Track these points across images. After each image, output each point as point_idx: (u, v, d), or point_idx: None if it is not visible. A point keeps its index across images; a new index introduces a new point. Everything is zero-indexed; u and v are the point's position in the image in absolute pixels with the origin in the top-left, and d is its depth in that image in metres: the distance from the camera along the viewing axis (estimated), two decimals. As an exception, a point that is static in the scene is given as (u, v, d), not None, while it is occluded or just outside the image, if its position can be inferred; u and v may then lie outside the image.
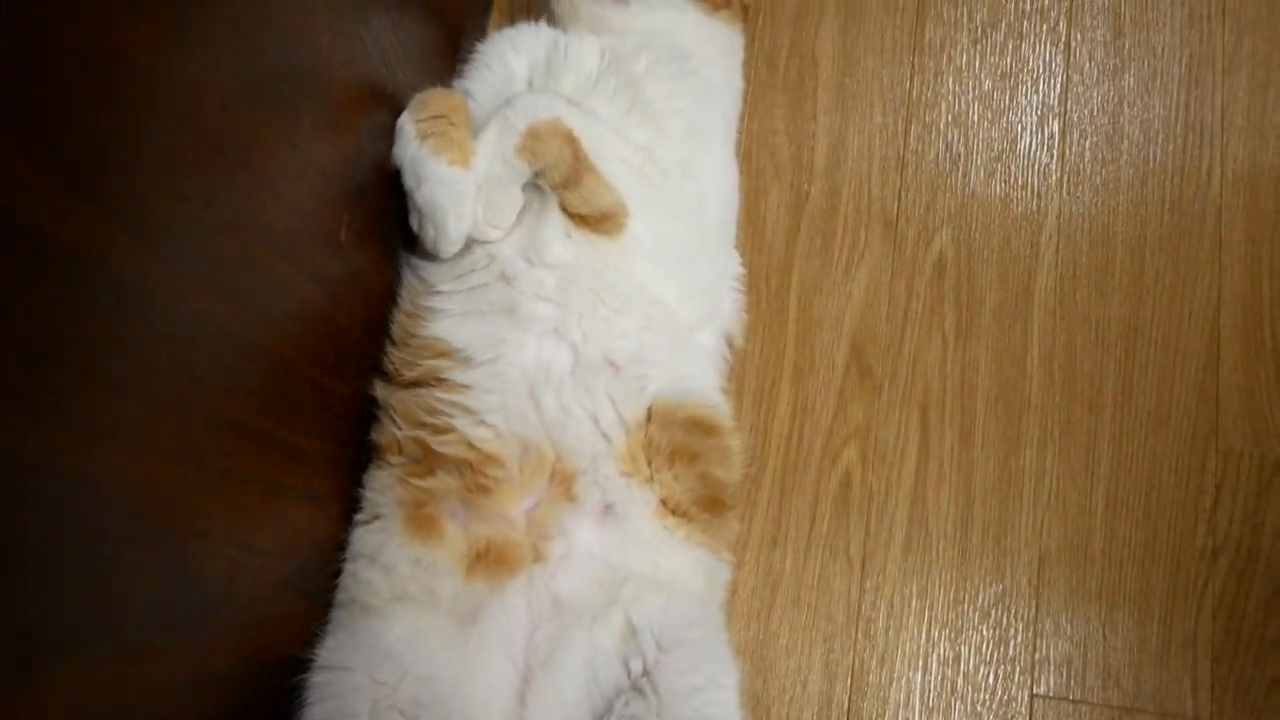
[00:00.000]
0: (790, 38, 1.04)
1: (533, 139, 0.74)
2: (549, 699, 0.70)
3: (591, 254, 0.77)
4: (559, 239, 0.76)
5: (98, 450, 0.43)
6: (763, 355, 0.96)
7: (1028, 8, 1.06)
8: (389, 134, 0.76)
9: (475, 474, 0.73)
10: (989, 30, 1.05)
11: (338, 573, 0.75)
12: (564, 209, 0.76)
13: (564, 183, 0.75)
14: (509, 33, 0.89)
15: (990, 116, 1.03)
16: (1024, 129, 1.03)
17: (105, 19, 0.38)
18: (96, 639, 0.46)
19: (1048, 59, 1.05)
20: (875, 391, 0.95)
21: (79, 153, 0.38)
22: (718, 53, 0.88)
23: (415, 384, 0.76)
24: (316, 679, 0.66)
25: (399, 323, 0.79)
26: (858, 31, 1.05)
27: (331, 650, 0.68)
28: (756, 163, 1.00)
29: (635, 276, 0.77)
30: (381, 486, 0.76)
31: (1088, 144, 1.02)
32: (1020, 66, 1.05)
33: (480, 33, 0.97)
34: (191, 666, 0.57)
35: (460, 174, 0.74)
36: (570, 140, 0.74)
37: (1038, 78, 1.04)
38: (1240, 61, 1.03)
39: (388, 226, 0.79)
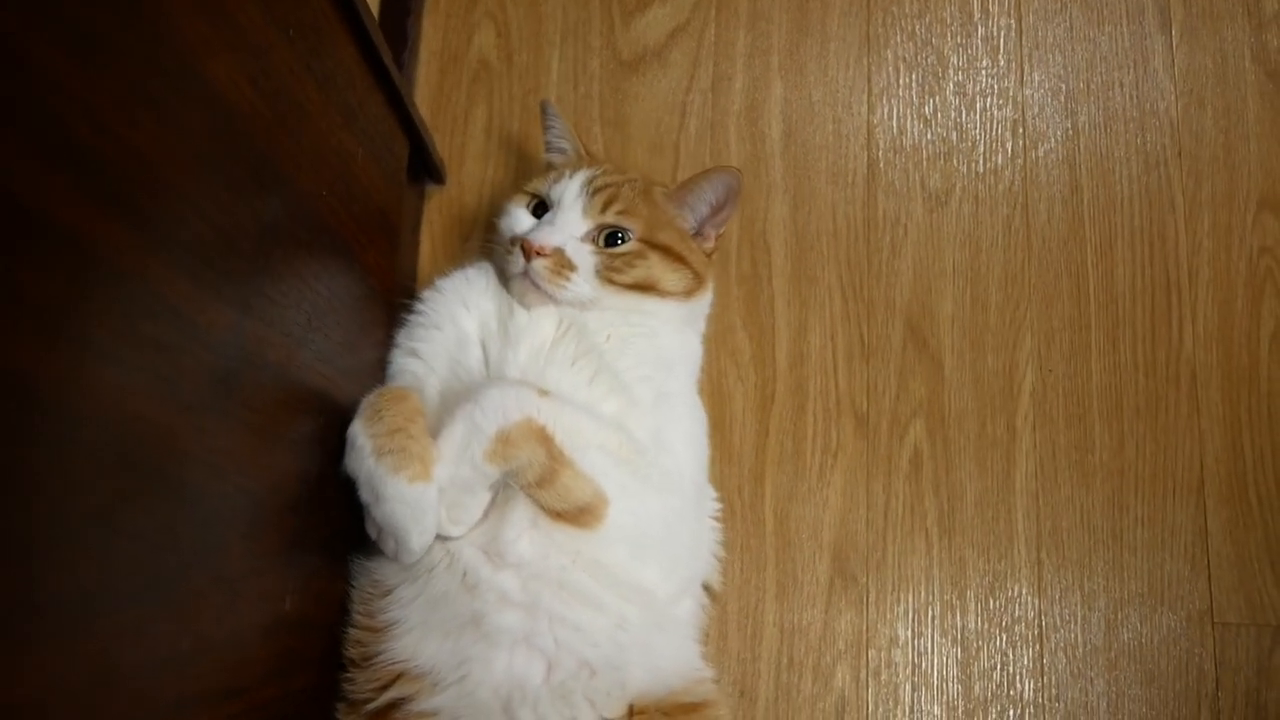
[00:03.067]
0: (740, 225, 0.99)
1: (503, 444, 0.68)
2: None
3: (560, 548, 0.72)
4: (524, 534, 0.71)
5: None
6: (743, 575, 0.92)
7: (981, 169, 1.02)
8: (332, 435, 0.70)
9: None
10: (943, 198, 1.01)
11: None
12: (537, 504, 0.71)
13: (537, 482, 0.69)
14: (457, 288, 0.83)
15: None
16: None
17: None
18: None
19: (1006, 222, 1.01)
20: (860, 603, 0.91)
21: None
22: (685, 322, 0.84)
23: (379, 716, 0.71)
24: None
25: (355, 638, 0.73)
26: (809, 211, 1.00)
27: None
28: (719, 365, 0.96)
29: (612, 567, 0.72)
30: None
31: (1054, 310, 0.99)
32: (979, 230, 1.01)
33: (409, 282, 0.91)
34: None
35: (422, 489, 0.68)
36: (544, 439, 0.69)
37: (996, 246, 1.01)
38: (1200, 205, 1.01)
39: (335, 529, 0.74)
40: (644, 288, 0.81)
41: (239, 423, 0.55)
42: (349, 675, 0.73)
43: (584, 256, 0.80)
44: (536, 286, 0.79)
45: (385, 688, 0.71)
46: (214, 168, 0.51)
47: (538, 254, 0.78)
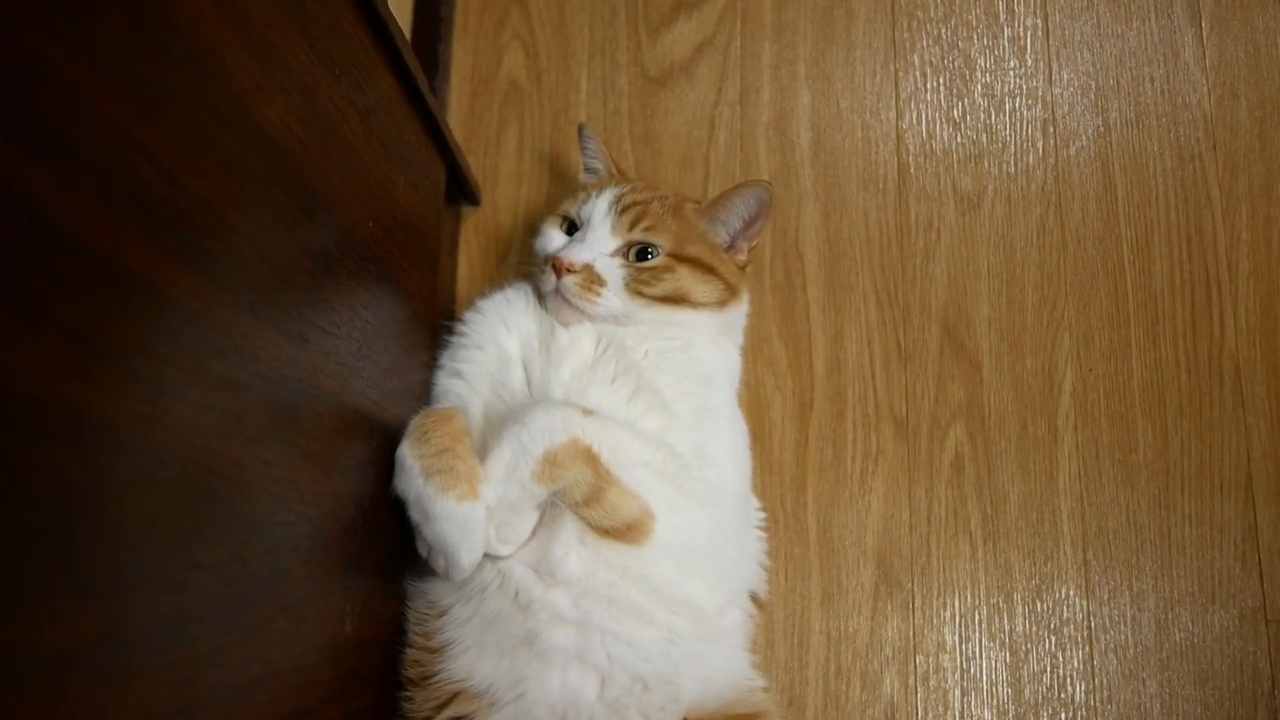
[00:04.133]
0: (773, 234, 1.00)
1: (550, 464, 0.69)
2: None
3: (608, 564, 0.73)
4: (572, 551, 0.72)
5: None
6: (788, 583, 0.92)
7: (1012, 170, 1.02)
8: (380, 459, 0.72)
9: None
10: (975, 200, 1.01)
11: None
12: (584, 522, 0.72)
13: (585, 501, 0.70)
14: (497, 308, 0.85)
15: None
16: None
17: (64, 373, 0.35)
18: None
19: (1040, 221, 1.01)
20: (906, 608, 0.91)
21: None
22: (721, 333, 0.85)
23: (432, 730, 0.72)
24: None
25: (413, 658, 0.75)
26: (840, 218, 1.00)
27: None
28: (757, 374, 0.96)
29: (659, 581, 0.73)
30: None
31: (1092, 309, 0.98)
32: (1013, 231, 1.01)
33: (448, 304, 0.92)
34: None
35: (470, 508, 0.70)
36: (590, 458, 0.70)
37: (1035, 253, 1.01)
38: (1238, 198, 1.00)
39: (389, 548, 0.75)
40: (675, 300, 0.83)
41: (299, 452, 0.57)
42: (407, 694, 0.75)
43: (613, 271, 0.81)
44: (568, 303, 0.81)
45: (443, 706, 0.72)
46: (270, 207, 0.53)
47: (568, 270, 0.80)
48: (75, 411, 0.36)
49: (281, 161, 0.54)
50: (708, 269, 0.85)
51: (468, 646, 0.73)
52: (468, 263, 1.00)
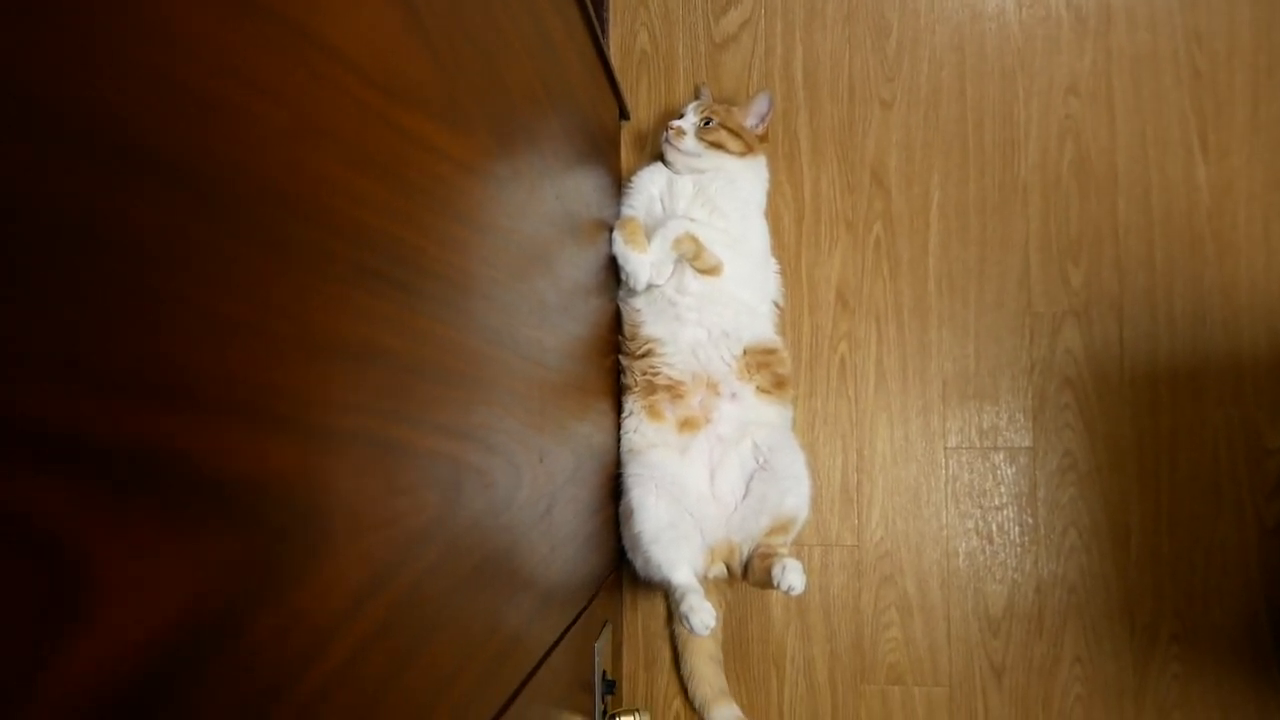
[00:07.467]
0: (781, 127, 1.90)
1: (677, 243, 1.64)
2: (724, 477, 1.67)
3: (706, 283, 1.68)
4: (692, 280, 1.68)
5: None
6: (791, 304, 1.88)
7: (922, 86, 1.88)
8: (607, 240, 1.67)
9: (674, 390, 1.68)
10: (890, 103, 1.89)
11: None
12: (693, 268, 1.67)
13: (693, 257, 1.66)
14: (645, 174, 1.77)
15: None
16: (917, 154, 1.88)
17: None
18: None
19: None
20: (852, 313, 1.87)
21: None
22: (752, 174, 1.76)
23: (640, 356, 1.70)
24: (628, 477, 1.65)
25: (626, 330, 1.73)
26: (820, 118, 1.90)
27: (631, 469, 1.66)
28: (774, 203, 1.89)
29: (730, 290, 1.69)
30: (631, 402, 1.72)
31: (951, 160, 1.87)
32: (910, 119, 1.88)
33: (619, 172, 1.86)
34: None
35: (642, 256, 1.66)
36: (693, 240, 1.65)
37: (923, 122, 1.89)
38: (1033, 95, 1.86)
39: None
40: (718, 146, 1.73)
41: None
42: (623, 342, 1.73)
43: (689, 129, 1.73)
44: (670, 144, 1.73)
45: (643, 345, 1.70)
46: (567, 126, 1.45)
47: (671, 129, 1.72)
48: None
49: (575, 110, 1.46)
50: (735, 133, 1.75)
51: (650, 320, 1.70)
52: (626, 151, 1.92)
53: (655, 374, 1.67)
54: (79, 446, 0.30)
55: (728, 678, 1.78)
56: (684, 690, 1.77)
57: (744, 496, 1.64)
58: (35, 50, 0.29)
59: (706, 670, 1.72)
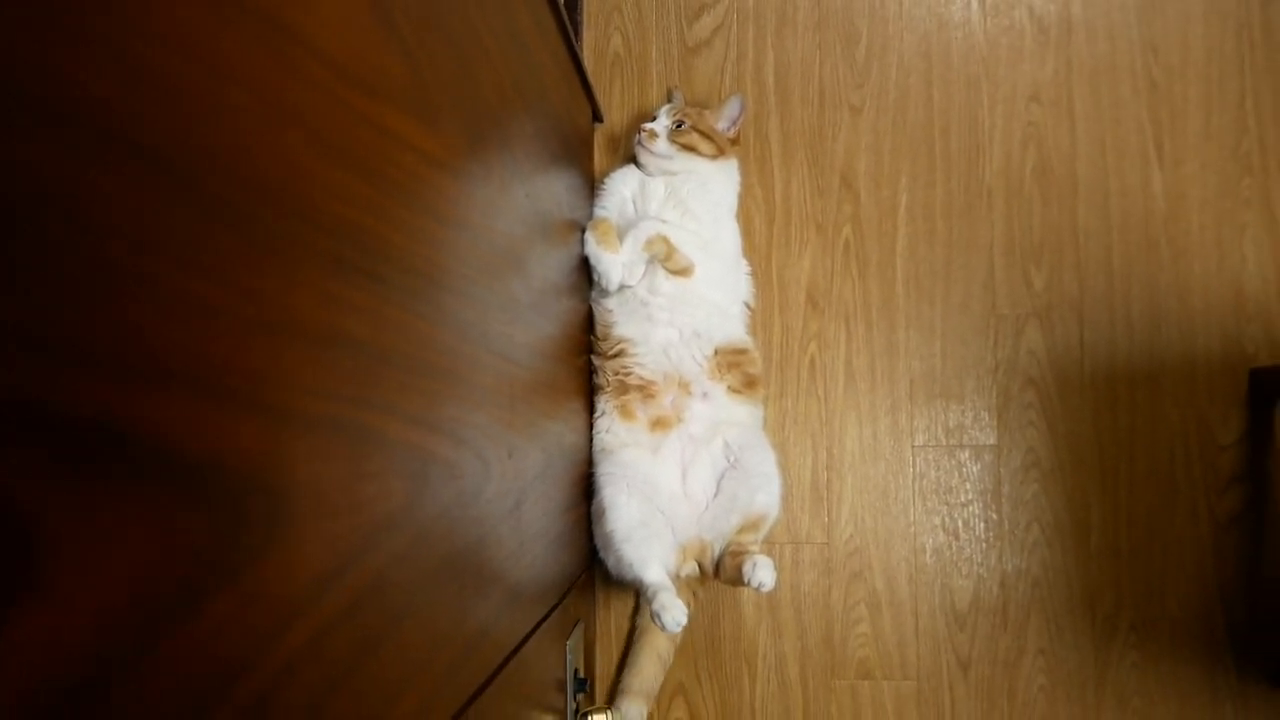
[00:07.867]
0: (752, 130, 1.92)
1: (649, 244, 1.66)
2: (696, 476, 1.69)
3: (677, 285, 1.70)
4: (664, 281, 1.70)
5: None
6: (762, 305, 1.90)
7: (891, 91, 1.92)
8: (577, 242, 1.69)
9: (645, 389, 1.70)
10: (859, 109, 1.92)
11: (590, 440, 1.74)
12: (665, 269, 1.69)
13: (664, 259, 1.67)
14: (617, 176, 1.79)
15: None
16: (885, 158, 1.92)
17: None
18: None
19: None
20: (821, 313, 1.90)
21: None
22: (724, 177, 1.79)
23: (612, 356, 1.72)
24: (600, 476, 1.66)
25: (599, 330, 1.74)
26: (789, 120, 1.92)
27: (603, 468, 1.68)
28: (745, 206, 1.91)
29: (701, 292, 1.71)
30: (603, 402, 1.73)
31: (918, 165, 1.91)
32: (880, 123, 1.92)
33: (592, 174, 1.88)
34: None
35: (614, 257, 1.67)
36: (665, 241, 1.66)
37: (890, 127, 1.92)
38: (998, 102, 1.90)
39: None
40: (690, 148, 1.75)
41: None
42: (595, 342, 1.74)
43: (662, 131, 1.75)
44: (643, 146, 1.74)
45: (615, 345, 1.71)
46: (536, 124, 1.47)
47: (645, 131, 1.74)
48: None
49: (547, 113, 1.47)
50: (707, 136, 1.77)
51: (622, 321, 1.72)
52: (599, 153, 1.94)
53: (627, 374, 1.69)
54: (40, 417, 0.30)
55: (699, 676, 1.79)
56: (618, 672, 1.78)
57: (715, 495, 1.66)
58: (18, 38, 0.30)
59: (647, 667, 1.73)
